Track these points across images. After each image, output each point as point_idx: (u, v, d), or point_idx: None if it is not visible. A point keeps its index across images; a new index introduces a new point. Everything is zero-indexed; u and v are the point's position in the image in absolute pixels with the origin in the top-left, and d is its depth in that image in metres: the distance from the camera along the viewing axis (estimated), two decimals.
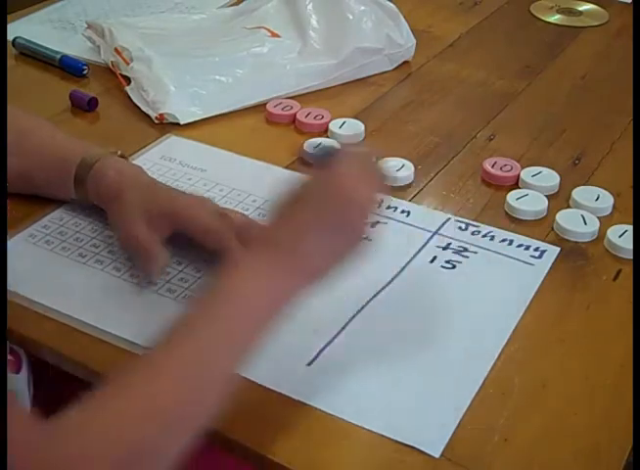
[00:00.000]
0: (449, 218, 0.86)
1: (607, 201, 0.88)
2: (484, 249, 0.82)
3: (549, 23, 1.34)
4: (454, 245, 0.82)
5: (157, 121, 1.00)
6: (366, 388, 0.67)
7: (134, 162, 0.91)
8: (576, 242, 0.83)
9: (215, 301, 0.60)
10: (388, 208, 0.87)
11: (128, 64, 1.06)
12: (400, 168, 0.92)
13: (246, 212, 0.83)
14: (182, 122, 1.00)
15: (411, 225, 0.85)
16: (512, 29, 1.32)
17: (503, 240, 0.83)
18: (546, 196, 0.89)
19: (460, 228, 0.84)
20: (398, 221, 0.85)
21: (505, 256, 0.81)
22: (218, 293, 0.60)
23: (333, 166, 0.65)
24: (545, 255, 0.81)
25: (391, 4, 1.16)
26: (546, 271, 0.79)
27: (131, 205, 0.76)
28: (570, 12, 1.37)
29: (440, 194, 0.91)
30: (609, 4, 1.39)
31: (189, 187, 0.87)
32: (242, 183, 0.89)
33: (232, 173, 0.91)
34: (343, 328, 0.72)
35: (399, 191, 0.90)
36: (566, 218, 0.85)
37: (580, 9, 1.38)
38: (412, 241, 0.83)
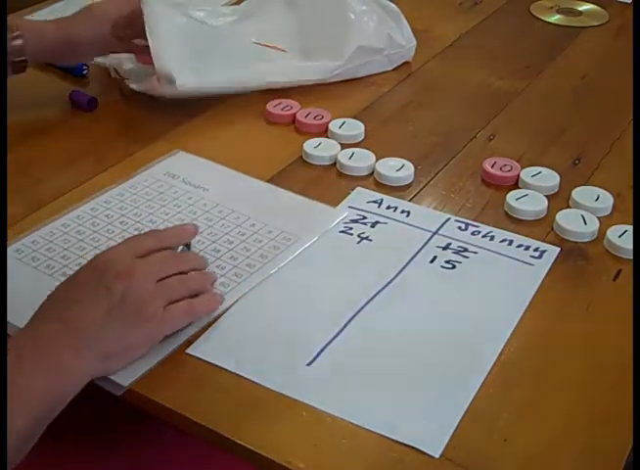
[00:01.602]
0: (449, 218, 0.86)
1: (607, 201, 0.88)
2: (484, 249, 0.82)
3: (549, 23, 1.34)
4: (454, 245, 0.82)
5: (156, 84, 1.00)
6: (366, 388, 0.67)
7: (137, 176, 0.90)
8: (576, 242, 0.83)
9: None
10: (388, 208, 0.87)
11: None
12: (400, 168, 0.92)
13: (242, 237, 0.81)
14: (178, 83, 0.98)
15: (411, 225, 0.85)
16: (512, 29, 1.32)
17: (503, 240, 0.83)
18: (546, 196, 0.89)
19: (460, 228, 0.84)
20: (398, 221, 0.85)
21: (505, 256, 0.81)
22: None
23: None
24: (545, 255, 0.81)
25: (393, 4, 1.16)
26: (546, 271, 0.79)
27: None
28: (570, 12, 1.37)
29: (440, 194, 0.90)
30: (609, 4, 1.39)
31: (188, 206, 0.86)
32: (242, 206, 0.86)
33: (234, 195, 0.88)
34: (343, 328, 0.72)
35: (399, 191, 0.90)
36: (566, 218, 0.85)
37: (580, 9, 1.38)
38: (412, 241, 0.82)
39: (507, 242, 0.83)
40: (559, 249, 0.82)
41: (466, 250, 0.81)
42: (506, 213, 0.87)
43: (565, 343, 0.72)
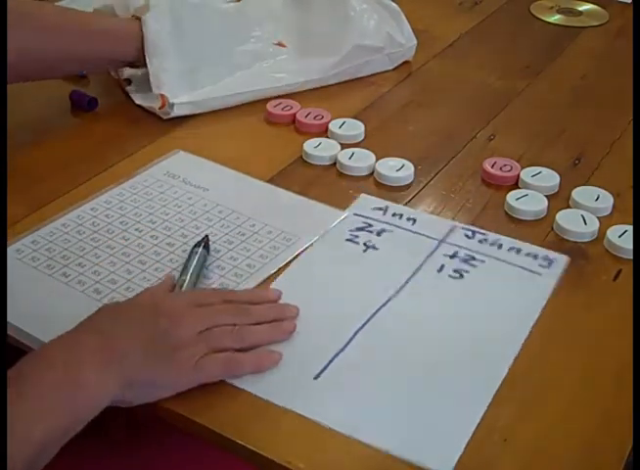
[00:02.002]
0: (455, 226, 0.84)
1: (607, 201, 0.88)
2: (492, 257, 0.80)
3: (549, 23, 1.34)
4: (461, 253, 0.80)
5: (159, 110, 1.00)
6: (374, 403, 0.65)
7: (138, 176, 0.90)
8: (576, 242, 0.83)
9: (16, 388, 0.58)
10: (394, 215, 0.85)
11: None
12: (400, 168, 0.92)
13: (242, 238, 0.81)
14: (173, 101, 1.00)
15: (417, 233, 0.83)
16: (512, 29, 1.32)
17: (511, 248, 0.81)
18: (546, 196, 0.89)
19: (467, 236, 0.82)
20: (404, 229, 0.83)
21: (513, 264, 0.79)
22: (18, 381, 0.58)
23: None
24: (554, 264, 0.79)
25: (394, 3, 1.16)
26: (555, 281, 0.77)
27: None
28: (570, 12, 1.37)
29: (440, 194, 0.90)
30: (609, 4, 1.39)
31: (188, 207, 0.85)
32: (243, 206, 0.85)
33: (235, 195, 0.87)
34: (351, 340, 0.70)
35: (399, 191, 0.90)
36: (566, 218, 0.85)
37: (580, 9, 1.38)
38: (419, 249, 0.81)
39: (515, 250, 0.81)
40: (567, 257, 0.80)
41: (473, 258, 0.80)
42: (506, 213, 0.87)
43: (565, 342, 0.72)
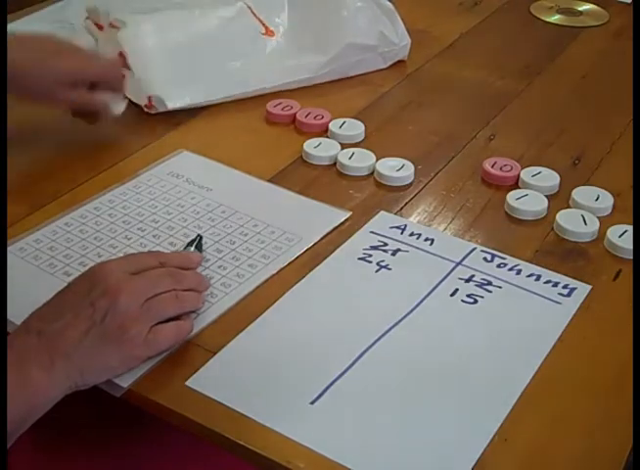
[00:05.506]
0: (475, 248, 0.81)
1: (607, 201, 0.88)
2: (509, 283, 0.77)
3: (549, 23, 1.34)
4: (477, 277, 0.77)
5: (145, 109, 1.00)
6: (376, 431, 0.62)
7: (141, 176, 0.90)
8: (576, 242, 0.83)
9: None
10: (412, 234, 0.82)
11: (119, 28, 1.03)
12: (400, 168, 0.92)
13: (244, 238, 0.81)
14: (170, 107, 1.00)
15: (434, 254, 0.80)
16: (512, 29, 1.32)
17: (530, 275, 0.78)
18: (546, 196, 0.89)
19: (486, 259, 0.79)
20: (421, 250, 0.81)
21: (531, 292, 0.76)
22: None
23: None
24: (574, 293, 0.76)
25: (389, 2, 1.16)
26: (574, 311, 0.74)
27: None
28: (570, 12, 1.37)
29: (440, 194, 0.90)
30: (609, 4, 1.39)
31: (191, 206, 0.86)
32: (246, 206, 0.85)
33: (238, 195, 0.87)
34: (354, 363, 0.67)
35: (399, 191, 0.90)
36: (566, 218, 0.85)
37: (580, 9, 1.38)
38: (433, 272, 0.78)
39: (534, 277, 0.77)
40: (590, 286, 0.77)
41: (490, 283, 0.76)
42: (506, 213, 0.87)
43: (564, 342, 0.72)
